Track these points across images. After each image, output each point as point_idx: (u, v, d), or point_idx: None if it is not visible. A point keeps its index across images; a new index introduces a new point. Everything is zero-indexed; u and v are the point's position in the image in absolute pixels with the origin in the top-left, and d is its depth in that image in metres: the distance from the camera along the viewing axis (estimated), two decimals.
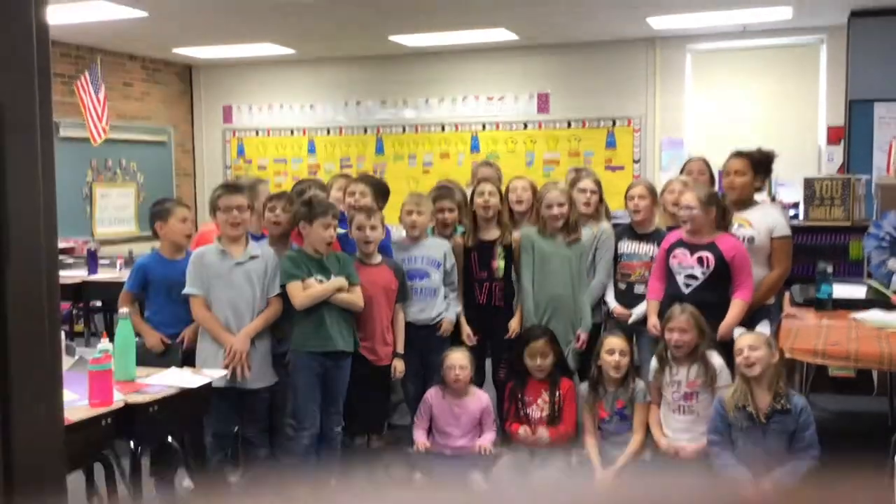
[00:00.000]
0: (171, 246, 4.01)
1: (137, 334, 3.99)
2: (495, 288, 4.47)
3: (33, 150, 1.06)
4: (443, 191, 4.65)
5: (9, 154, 1.02)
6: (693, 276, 4.14)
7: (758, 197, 4.60)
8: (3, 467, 1.02)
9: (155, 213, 4.05)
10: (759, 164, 4.42)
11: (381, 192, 4.68)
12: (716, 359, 3.97)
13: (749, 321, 4.01)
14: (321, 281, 3.87)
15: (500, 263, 4.46)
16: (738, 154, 4.45)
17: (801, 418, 3.64)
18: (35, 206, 1.07)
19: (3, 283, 1.02)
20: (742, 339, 3.73)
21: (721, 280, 4.12)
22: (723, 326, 4.01)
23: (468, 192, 4.73)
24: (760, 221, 4.32)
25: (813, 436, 3.64)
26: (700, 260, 4.12)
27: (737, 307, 4.07)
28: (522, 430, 4.09)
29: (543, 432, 4.09)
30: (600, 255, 4.52)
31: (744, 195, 4.40)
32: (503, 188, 4.75)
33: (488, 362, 4.69)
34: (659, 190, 4.80)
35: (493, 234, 4.50)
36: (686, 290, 4.13)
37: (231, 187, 3.94)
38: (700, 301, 4.03)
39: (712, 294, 4.09)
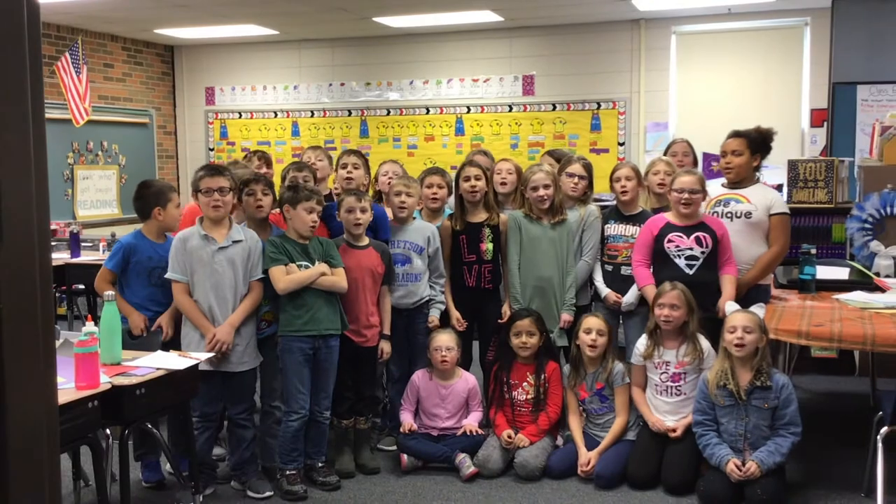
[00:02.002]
0: (159, 230, 3.97)
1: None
2: (484, 270, 4.47)
3: (26, 133, 1.05)
4: (433, 169, 4.69)
5: (2, 138, 1.01)
6: (694, 257, 4.16)
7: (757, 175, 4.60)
8: None
9: (152, 196, 3.96)
10: (757, 143, 4.40)
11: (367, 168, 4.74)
12: (703, 342, 4.00)
13: (744, 300, 4.03)
14: (304, 266, 3.86)
15: (488, 245, 4.47)
16: (736, 134, 4.42)
17: (782, 395, 3.68)
18: (28, 189, 1.06)
19: None
20: (736, 317, 3.75)
21: (715, 258, 4.17)
22: (724, 302, 4.04)
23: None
24: (758, 198, 4.32)
25: (795, 413, 3.68)
26: (698, 240, 4.16)
27: (731, 283, 4.13)
28: (506, 436, 4.11)
29: (523, 439, 4.11)
30: (587, 238, 4.52)
31: (741, 175, 4.39)
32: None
33: (475, 345, 4.70)
34: (643, 172, 4.81)
35: (480, 216, 4.50)
36: (691, 271, 4.15)
37: (213, 169, 3.89)
38: (702, 281, 4.08)
39: (710, 273, 4.15)
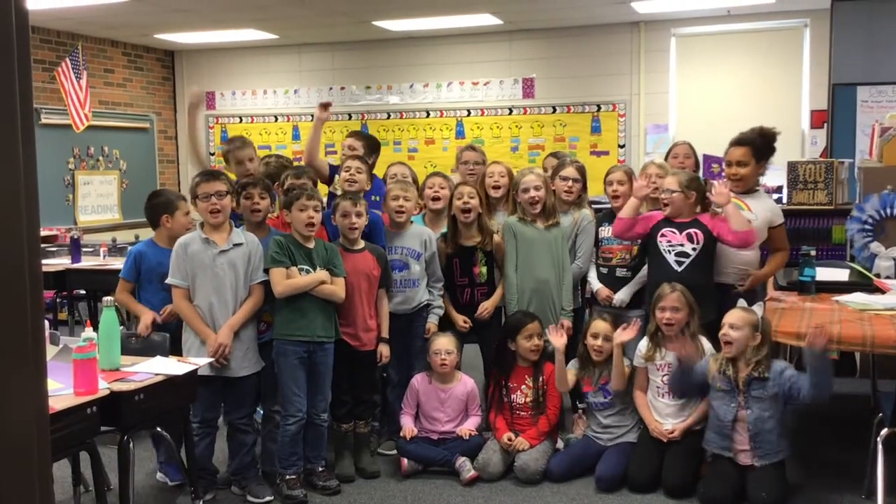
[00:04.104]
0: (168, 237, 4.01)
1: (130, 317, 4.00)
2: (477, 293, 4.49)
3: (14, 138, 1.05)
4: (435, 172, 4.69)
5: None
6: (684, 254, 4.14)
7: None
8: None
9: (161, 205, 4.08)
10: (762, 149, 4.31)
11: (373, 146, 4.80)
12: (705, 342, 3.98)
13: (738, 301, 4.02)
14: (306, 271, 3.86)
15: (481, 269, 4.46)
16: (739, 142, 4.32)
17: (783, 376, 3.65)
18: (16, 193, 1.05)
19: None
20: (731, 313, 3.74)
21: (708, 259, 4.14)
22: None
23: (454, 179, 4.73)
24: (760, 210, 4.28)
25: (794, 375, 3.66)
26: (689, 236, 4.14)
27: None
28: (506, 438, 4.11)
29: (523, 442, 4.10)
30: (581, 241, 4.52)
31: (749, 184, 4.34)
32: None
33: (469, 348, 4.68)
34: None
35: (473, 239, 4.48)
36: (679, 268, 4.13)
37: (209, 174, 3.92)
38: (693, 281, 4.05)
39: (702, 274, 4.12)
